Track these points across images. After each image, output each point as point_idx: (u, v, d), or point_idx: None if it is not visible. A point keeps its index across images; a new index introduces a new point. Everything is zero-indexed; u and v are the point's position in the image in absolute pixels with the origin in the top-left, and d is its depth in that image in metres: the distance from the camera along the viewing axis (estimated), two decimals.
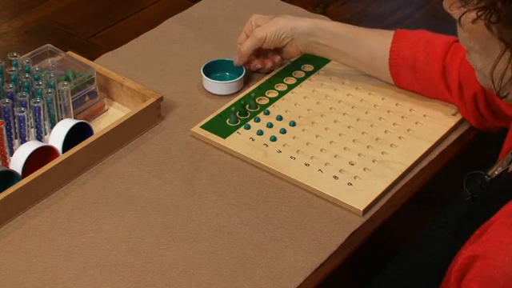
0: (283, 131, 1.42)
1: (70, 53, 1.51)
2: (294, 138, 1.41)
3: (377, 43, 1.46)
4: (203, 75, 1.51)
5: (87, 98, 1.45)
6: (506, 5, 1.00)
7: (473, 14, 1.03)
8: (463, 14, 1.04)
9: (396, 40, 1.45)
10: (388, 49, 1.45)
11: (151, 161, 1.39)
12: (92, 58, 1.56)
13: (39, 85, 1.37)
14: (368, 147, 1.40)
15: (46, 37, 1.65)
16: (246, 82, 1.54)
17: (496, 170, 1.19)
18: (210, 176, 1.36)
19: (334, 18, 1.69)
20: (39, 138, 1.37)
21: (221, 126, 1.44)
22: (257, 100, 1.49)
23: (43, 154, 1.33)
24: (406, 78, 1.47)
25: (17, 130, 1.35)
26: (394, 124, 1.44)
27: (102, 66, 1.51)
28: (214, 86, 1.51)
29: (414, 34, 1.45)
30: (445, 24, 1.69)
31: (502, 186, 1.15)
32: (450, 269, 1.09)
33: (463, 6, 1.04)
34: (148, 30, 1.69)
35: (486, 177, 1.19)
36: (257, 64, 1.53)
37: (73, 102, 1.41)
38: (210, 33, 1.68)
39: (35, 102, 1.34)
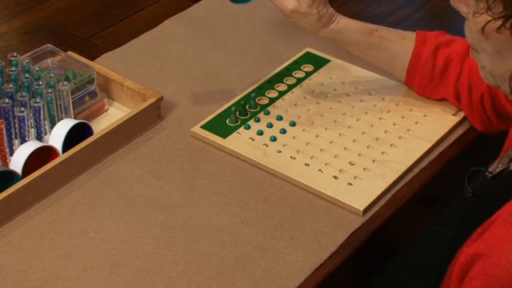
0: (283, 131, 1.42)
1: (70, 53, 1.51)
2: (293, 138, 1.41)
3: (398, 47, 1.45)
4: None
5: (87, 98, 1.45)
6: None
7: (498, 23, 1.03)
8: (488, 22, 1.04)
9: (418, 44, 1.44)
10: (409, 52, 1.44)
11: (151, 161, 1.39)
12: (92, 58, 1.56)
13: (39, 85, 1.37)
14: (368, 147, 1.40)
15: (46, 37, 1.65)
16: (246, 81, 1.54)
17: (497, 167, 1.19)
18: (209, 176, 1.36)
19: None
20: (39, 138, 1.37)
21: (221, 126, 1.44)
22: (257, 100, 1.48)
23: (43, 154, 1.33)
24: (419, 82, 1.46)
25: (17, 130, 1.35)
26: (393, 124, 1.44)
27: (102, 66, 1.51)
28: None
29: (435, 38, 1.44)
30: (445, 24, 1.69)
31: (502, 183, 1.15)
32: (451, 267, 1.09)
33: (486, 13, 1.03)
34: (148, 30, 1.69)
35: (487, 173, 1.19)
36: None
37: (73, 102, 1.41)
38: (210, 33, 1.68)
39: (35, 102, 1.34)
